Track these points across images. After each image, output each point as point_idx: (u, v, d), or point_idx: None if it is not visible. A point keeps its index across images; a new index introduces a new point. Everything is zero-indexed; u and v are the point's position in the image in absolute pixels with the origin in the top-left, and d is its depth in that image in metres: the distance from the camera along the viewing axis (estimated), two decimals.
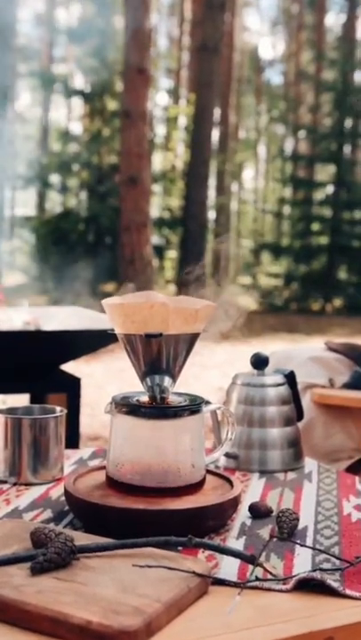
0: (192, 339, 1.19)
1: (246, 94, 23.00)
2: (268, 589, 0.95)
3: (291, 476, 1.47)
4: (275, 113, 21.98)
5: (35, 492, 1.32)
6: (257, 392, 1.54)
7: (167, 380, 1.20)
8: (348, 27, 19.06)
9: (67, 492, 1.16)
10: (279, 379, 1.57)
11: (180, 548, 1.03)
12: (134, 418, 1.16)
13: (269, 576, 0.97)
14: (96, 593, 0.87)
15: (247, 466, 1.50)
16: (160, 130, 19.15)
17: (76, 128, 20.16)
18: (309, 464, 1.56)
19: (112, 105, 16.52)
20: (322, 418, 2.26)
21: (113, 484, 1.18)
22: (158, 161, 17.86)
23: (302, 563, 1.03)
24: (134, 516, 1.08)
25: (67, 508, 1.21)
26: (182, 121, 18.36)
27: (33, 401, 3.00)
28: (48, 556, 0.92)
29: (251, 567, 0.98)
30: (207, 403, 1.24)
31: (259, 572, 0.97)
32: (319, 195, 18.24)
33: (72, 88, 18.33)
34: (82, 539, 1.01)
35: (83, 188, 17.09)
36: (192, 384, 6.07)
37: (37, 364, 2.61)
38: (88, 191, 16.71)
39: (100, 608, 0.83)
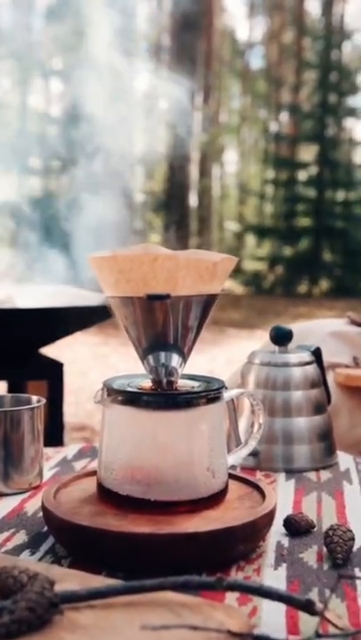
0: (208, 301, 0.90)
1: (228, 76, 22.60)
2: None
3: (325, 475, 1.19)
4: (257, 93, 21.62)
5: (5, 506, 1.03)
6: (280, 373, 1.25)
7: (176, 359, 0.91)
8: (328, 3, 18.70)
9: (45, 510, 0.87)
10: (306, 356, 1.28)
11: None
12: (134, 409, 0.87)
13: (332, 628, 0.69)
14: None
15: (269, 464, 1.22)
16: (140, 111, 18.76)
17: (56, 110, 19.73)
18: (344, 460, 1.28)
19: None
20: (347, 403, 1.97)
21: (107, 496, 0.89)
22: (139, 143, 17.48)
23: None
24: (137, 544, 0.79)
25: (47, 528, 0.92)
26: (163, 104, 17.97)
27: (11, 389, 2.73)
28: (17, 615, 0.63)
29: (304, 613, 0.70)
30: (225, 388, 0.96)
31: (316, 621, 0.69)
32: (303, 175, 17.95)
33: (50, 69, 17.91)
34: (67, 578, 0.73)
35: (63, 171, 16.70)
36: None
37: (13, 346, 2.31)
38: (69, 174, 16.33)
39: None
